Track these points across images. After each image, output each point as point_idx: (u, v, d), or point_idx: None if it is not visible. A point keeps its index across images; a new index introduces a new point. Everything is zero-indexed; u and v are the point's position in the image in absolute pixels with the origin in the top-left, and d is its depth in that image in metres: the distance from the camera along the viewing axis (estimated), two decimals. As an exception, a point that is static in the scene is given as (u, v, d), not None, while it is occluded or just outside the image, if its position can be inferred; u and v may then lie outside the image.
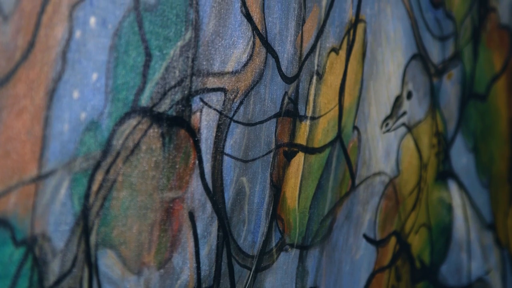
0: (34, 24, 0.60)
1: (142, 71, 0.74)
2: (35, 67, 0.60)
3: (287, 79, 1.00)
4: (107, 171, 0.70)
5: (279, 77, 0.99)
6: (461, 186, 1.55)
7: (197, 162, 0.84)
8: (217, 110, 0.87)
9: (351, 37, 1.17)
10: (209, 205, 0.88)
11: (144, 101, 0.74)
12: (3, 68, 0.58)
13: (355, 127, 1.20)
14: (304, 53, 1.04)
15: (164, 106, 0.78)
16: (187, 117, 0.82)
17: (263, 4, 0.94)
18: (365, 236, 1.26)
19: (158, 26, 0.76)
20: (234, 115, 0.90)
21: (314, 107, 1.08)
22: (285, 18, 0.99)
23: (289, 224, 1.06)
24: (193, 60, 0.82)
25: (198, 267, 0.87)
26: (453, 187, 1.54)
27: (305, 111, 1.06)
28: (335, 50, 1.12)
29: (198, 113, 0.84)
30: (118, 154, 0.72)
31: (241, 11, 0.89)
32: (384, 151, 1.28)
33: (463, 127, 1.54)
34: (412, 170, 1.37)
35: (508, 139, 1.70)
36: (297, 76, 1.03)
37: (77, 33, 0.65)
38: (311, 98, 1.07)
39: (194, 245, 0.86)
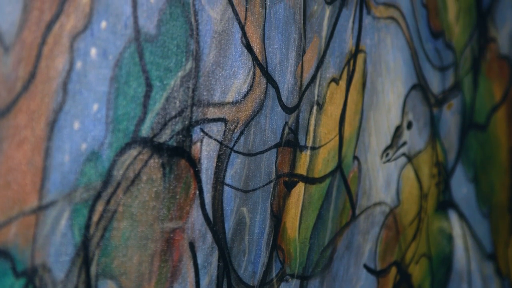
0: (35, 55, 0.60)
1: (143, 102, 0.74)
2: (35, 98, 0.61)
3: (287, 109, 1.01)
4: (108, 202, 0.70)
5: (280, 107, 0.99)
6: (461, 216, 1.54)
7: (197, 192, 0.84)
8: (217, 141, 0.87)
9: (351, 67, 1.17)
10: (209, 236, 0.87)
11: (145, 131, 0.74)
12: (4, 99, 0.58)
13: (355, 157, 1.20)
14: (304, 83, 1.05)
15: (164, 137, 0.78)
16: (188, 147, 0.82)
17: (264, 34, 0.94)
18: (365, 266, 1.25)
19: (158, 56, 0.76)
20: (234, 145, 0.90)
21: (315, 137, 1.08)
22: (285, 49, 0.99)
23: (289, 254, 1.06)
24: (193, 91, 0.82)
25: (199, 297, 0.86)
26: (453, 217, 1.53)
27: (306, 141, 1.06)
28: (335, 80, 1.12)
29: (198, 144, 0.84)
30: (118, 184, 0.71)
31: (242, 42, 0.90)
32: (384, 181, 1.28)
33: (463, 157, 1.54)
34: (413, 200, 1.37)
35: (508, 169, 1.70)
36: (297, 106, 1.03)
37: (78, 64, 0.65)
38: (311, 128, 1.07)
39: (195, 275, 0.85)
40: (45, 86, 0.61)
